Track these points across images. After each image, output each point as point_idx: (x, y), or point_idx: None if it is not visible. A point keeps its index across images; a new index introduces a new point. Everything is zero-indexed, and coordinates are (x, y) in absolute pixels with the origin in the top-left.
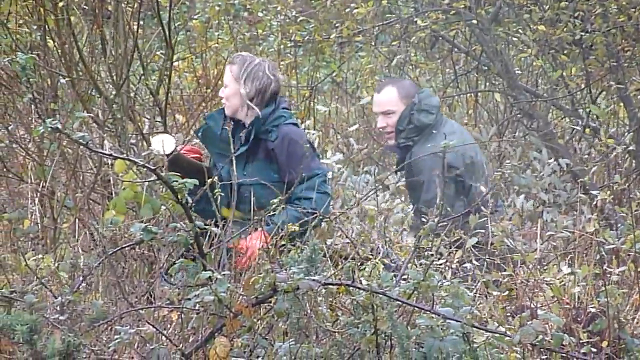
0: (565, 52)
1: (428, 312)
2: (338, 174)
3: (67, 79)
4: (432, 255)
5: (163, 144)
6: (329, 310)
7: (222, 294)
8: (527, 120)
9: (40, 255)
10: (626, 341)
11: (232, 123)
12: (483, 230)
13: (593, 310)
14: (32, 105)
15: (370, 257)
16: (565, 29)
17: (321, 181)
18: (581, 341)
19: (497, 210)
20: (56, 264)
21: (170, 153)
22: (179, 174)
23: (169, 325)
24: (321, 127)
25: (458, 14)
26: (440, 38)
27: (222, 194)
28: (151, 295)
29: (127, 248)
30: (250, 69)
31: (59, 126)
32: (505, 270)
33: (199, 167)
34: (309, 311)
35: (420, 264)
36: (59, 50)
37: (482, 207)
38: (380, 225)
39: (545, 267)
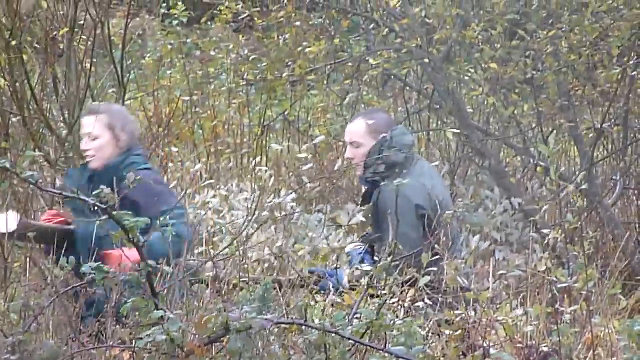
0: (516, 90)
1: (381, 351)
2: (291, 212)
3: (18, 117)
4: (385, 294)
5: (6, 222)
6: (281, 349)
7: (174, 334)
8: (479, 158)
9: None
10: None
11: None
12: (436, 269)
13: (545, 349)
14: None
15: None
16: (516, 68)
17: (180, 213)
18: None
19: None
20: (7, 304)
21: (14, 230)
22: (36, 241)
23: None
24: (273, 166)
25: (410, 53)
26: (393, 77)
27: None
28: (103, 335)
29: (78, 287)
30: (122, 116)
31: (8, 165)
32: (457, 309)
33: (54, 229)
34: (261, 350)
35: (373, 303)
36: (11, 89)
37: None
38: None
39: (497, 306)
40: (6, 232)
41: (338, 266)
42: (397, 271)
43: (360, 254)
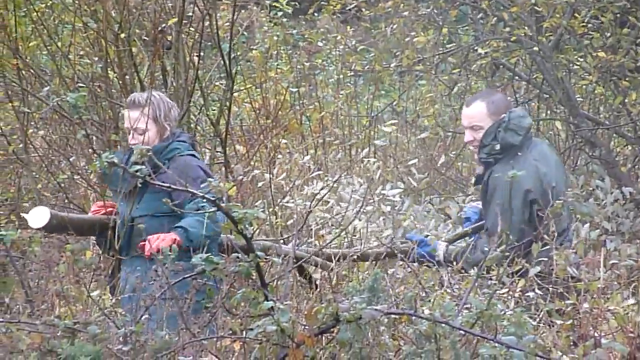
0: (627, 78)
1: (491, 341)
2: (399, 204)
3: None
4: (495, 284)
5: (37, 217)
6: (391, 339)
7: (284, 324)
8: (589, 148)
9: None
10: None
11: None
12: (546, 259)
13: None
14: (88, 140)
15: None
16: (626, 56)
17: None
18: None
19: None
20: (117, 296)
21: (45, 224)
22: (72, 234)
23: (231, 356)
24: (381, 157)
25: (519, 42)
26: (501, 66)
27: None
28: (213, 325)
29: (189, 278)
30: (164, 104)
31: (116, 160)
32: (568, 299)
33: (88, 221)
34: (371, 341)
35: (483, 293)
36: (120, 81)
37: (559, 237)
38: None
39: (609, 296)
40: (38, 227)
41: (436, 236)
42: (507, 261)
43: (472, 213)
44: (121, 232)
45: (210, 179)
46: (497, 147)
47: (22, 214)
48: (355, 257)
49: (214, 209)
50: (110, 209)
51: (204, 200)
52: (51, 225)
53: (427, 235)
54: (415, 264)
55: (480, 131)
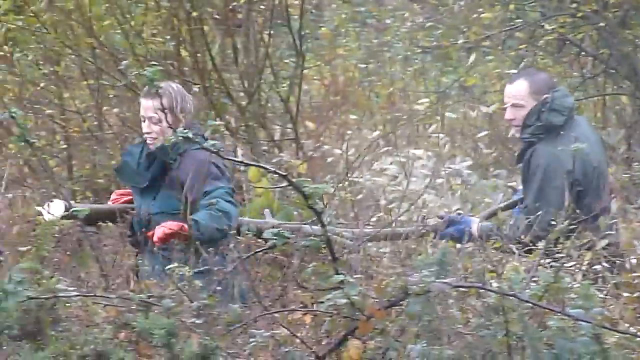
0: None
1: (559, 314)
2: (467, 178)
3: (200, 87)
4: (562, 257)
5: (53, 209)
6: (460, 312)
7: (354, 297)
8: None
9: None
10: None
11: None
12: (613, 232)
13: None
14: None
15: None
16: None
17: (224, 192)
18: None
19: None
20: (191, 270)
21: (61, 216)
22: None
23: (302, 328)
24: (449, 132)
25: (585, 18)
26: (568, 42)
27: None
28: (284, 299)
29: (260, 253)
30: (180, 96)
31: (191, 135)
32: (635, 272)
33: (109, 209)
34: (440, 313)
35: (551, 267)
36: (192, 60)
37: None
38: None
39: None
40: (56, 216)
41: (470, 214)
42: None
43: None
44: (137, 228)
45: (221, 172)
46: (541, 128)
47: (40, 208)
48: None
49: (226, 203)
50: (130, 197)
51: (218, 196)
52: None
53: (460, 213)
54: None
55: (521, 109)
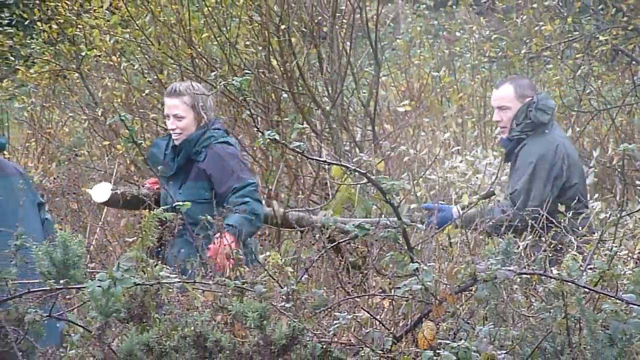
0: None
1: (613, 298)
2: None
3: (288, 93)
4: (615, 246)
5: (99, 192)
6: (523, 297)
7: (428, 284)
8: None
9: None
10: None
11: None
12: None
13: None
14: (253, 119)
15: None
16: None
17: (252, 189)
18: None
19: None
20: (282, 259)
21: (108, 199)
22: (127, 208)
23: (381, 311)
24: None
25: (636, 30)
26: (620, 52)
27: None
28: (365, 285)
29: (343, 243)
30: (202, 96)
31: (277, 137)
32: None
33: (140, 197)
34: (505, 298)
35: (605, 255)
36: (281, 68)
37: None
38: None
39: None
40: (102, 200)
41: (445, 202)
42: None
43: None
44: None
45: (245, 166)
46: (529, 125)
47: (86, 190)
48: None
49: (255, 202)
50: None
51: (247, 195)
52: (111, 200)
53: (442, 202)
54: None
55: (507, 111)
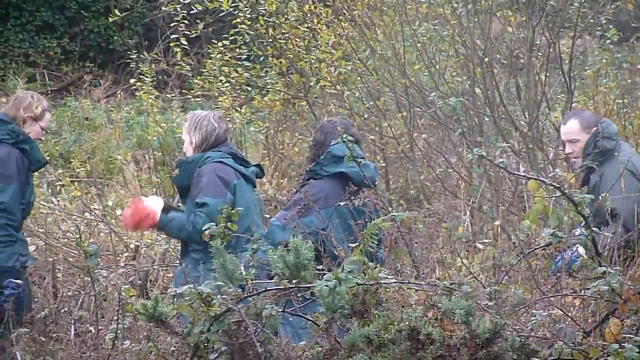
0: None
1: None
2: None
3: (490, 117)
4: None
5: (155, 204)
6: None
7: (614, 285)
8: None
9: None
10: None
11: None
12: None
13: None
14: (463, 138)
15: None
16: None
17: (210, 209)
18: None
19: None
20: (482, 263)
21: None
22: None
23: (572, 309)
24: None
25: None
26: None
27: None
28: (558, 286)
29: (538, 249)
30: (197, 120)
31: (484, 154)
32: None
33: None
34: None
35: None
36: (484, 95)
37: None
38: None
39: None
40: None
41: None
42: None
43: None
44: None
45: (218, 186)
46: (599, 154)
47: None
48: None
49: (203, 219)
50: None
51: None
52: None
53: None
54: None
55: (577, 143)
